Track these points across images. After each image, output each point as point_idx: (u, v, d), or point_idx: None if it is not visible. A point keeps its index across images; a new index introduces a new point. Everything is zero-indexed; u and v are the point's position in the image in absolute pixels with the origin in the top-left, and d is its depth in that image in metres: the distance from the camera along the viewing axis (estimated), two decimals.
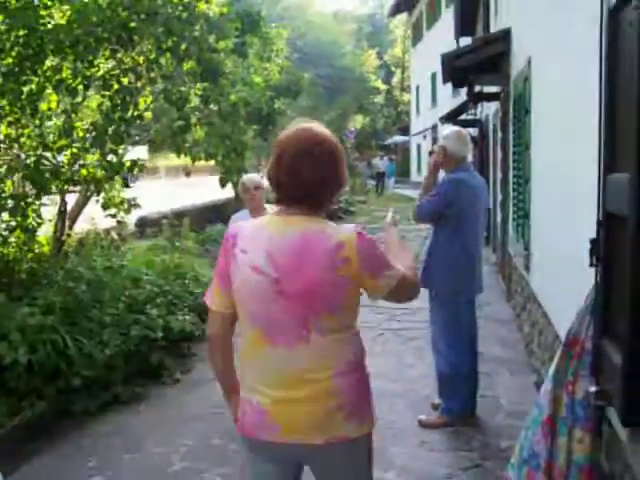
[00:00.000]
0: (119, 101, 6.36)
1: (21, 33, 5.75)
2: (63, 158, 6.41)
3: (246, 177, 5.78)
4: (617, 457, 2.71)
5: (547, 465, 2.79)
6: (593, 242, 2.60)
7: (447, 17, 24.19)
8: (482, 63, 8.77)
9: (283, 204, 2.17)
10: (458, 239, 4.55)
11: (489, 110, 12.89)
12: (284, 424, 2.13)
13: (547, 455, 2.79)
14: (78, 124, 6.70)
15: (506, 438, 4.41)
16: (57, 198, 6.67)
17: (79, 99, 6.61)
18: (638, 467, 2.28)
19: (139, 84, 6.63)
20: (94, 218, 7.91)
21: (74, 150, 6.36)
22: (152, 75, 6.63)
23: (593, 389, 2.57)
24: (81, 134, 6.50)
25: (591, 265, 2.61)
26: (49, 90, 6.25)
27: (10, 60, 5.83)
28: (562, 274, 4.32)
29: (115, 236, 8.39)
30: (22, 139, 6.27)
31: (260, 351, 2.14)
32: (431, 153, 4.82)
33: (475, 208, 4.60)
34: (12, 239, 6.14)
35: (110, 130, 6.27)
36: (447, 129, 4.89)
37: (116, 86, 6.39)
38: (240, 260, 2.12)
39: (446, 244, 4.56)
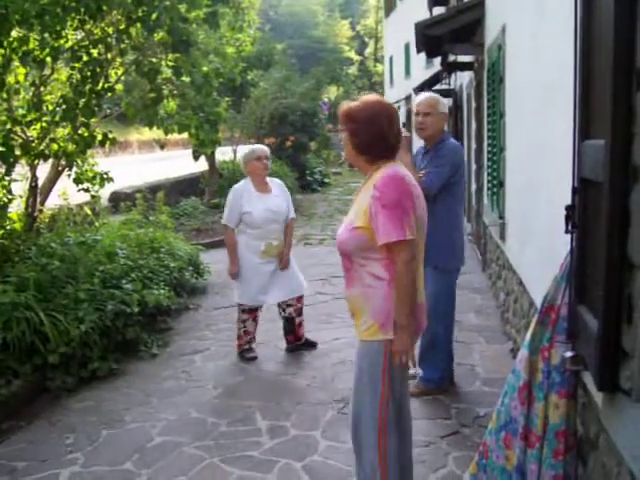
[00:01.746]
0: (89, 73, 6.23)
1: None
2: (33, 132, 6.30)
3: (257, 147, 5.69)
4: (592, 421, 2.75)
5: (524, 430, 2.83)
6: (569, 208, 2.61)
7: None
8: (456, 32, 8.70)
9: (382, 158, 2.86)
10: (454, 207, 4.54)
11: (463, 80, 12.85)
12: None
13: (524, 421, 2.83)
14: (47, 97, 6.57)
15: (483, 405, 4.47)
16: (28, 173, 6.55)
17: (48, 71, 6.47)
18: (612, 431, 2.31)
19: (109, 56, 6.49)
20: (66, 193, 7.80)
21: (44, 124, 6.24)
22: (122, 46, 6.49)
23: (569, 354, 2.60)
24: (51, 107, 6.38)
25: (567, 232, 2.62)
26: (16, 62, 6.10)
27: None
28: (537, 242, 4.35)
29: (88, 211, 8.28)
30: None
31: (419, 263, 2.92)
32: (404, 125, 4.76)
33: (464, 175, 4.64)
34: None
35: (80, 103, 6.15)
36: (422, 95, 4.77)
37: (85, 58, 6.24)
38: (415, 195, 2.84)
39: (444, 214, 4.41)
